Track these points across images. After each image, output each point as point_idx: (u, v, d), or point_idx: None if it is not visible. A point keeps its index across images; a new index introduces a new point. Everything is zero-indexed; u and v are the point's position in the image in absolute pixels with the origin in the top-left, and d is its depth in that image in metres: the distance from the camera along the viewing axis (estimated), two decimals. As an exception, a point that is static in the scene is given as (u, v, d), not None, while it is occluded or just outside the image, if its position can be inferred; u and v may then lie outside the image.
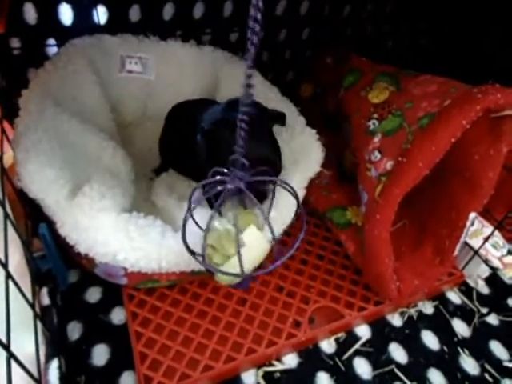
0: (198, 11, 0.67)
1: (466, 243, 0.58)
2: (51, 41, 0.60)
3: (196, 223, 0.39)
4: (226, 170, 0.34)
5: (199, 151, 0.45)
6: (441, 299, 0.58)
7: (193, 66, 0.62)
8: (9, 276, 0.30)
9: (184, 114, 0.57)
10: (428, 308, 0.57)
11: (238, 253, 0.32)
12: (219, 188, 0.33)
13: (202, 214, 0.39)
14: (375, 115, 0.53)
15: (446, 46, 0.91)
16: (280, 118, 0.47)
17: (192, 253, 0.36)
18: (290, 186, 0.37)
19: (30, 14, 0.55)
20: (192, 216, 0.37)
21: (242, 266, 0.33)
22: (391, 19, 0.88)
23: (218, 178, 0.34)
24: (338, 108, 0.65)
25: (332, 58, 0.72)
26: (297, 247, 0.36)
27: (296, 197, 0.37)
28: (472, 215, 0.50)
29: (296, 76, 0.85)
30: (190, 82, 0.63)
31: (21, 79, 0.60)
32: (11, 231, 0.38)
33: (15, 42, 0.58)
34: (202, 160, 0.46)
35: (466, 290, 0.60)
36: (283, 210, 0.46)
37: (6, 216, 0.35)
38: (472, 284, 0.61)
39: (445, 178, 0.52)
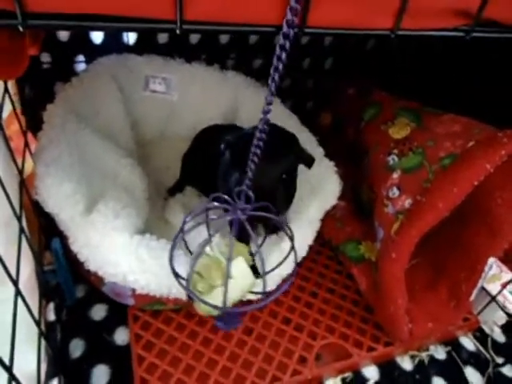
0: (224, 37, 0.68)
1: (483, 288, 0.56)
2: (80, 57, 0.62)
3: (186, 247, 0.38)
4: (226, 197, 0.34)
5: (221, 163, 0.45)
6: (454, 345, 0.56)
7: (215, 89, 0.63)
8: (18, 293, 0.30)
9: (213, 137, 0.58)
10: (440, 353, 0.54)
11: (225, 285, 0.31)
12: (215, 217, 0.33)
13: (192, 237, 0.39)
14: (395, 151, 0.53)
15: (470, 85, 0.91)
16: (308, 162, 0.46)
17: (176, 275, 0.35)
18: (289, 228, 0.36)
19: (64, 31, 0.57)
20: (184, 239, 0.37)
21: (225, 300, 0.31)
22: (415, 54, 0.88)
23: (217, 204, 0.34)
24: (357, 140, 0.65)
25: (354, 90, 0.72)
26: (284, 290, 0.34)
27: (292, 239, 0.36)
28: (491, 260, 0.49)
29: (316, 105, 0.85)
30: (212, 105, 0.64)
31: (47, 92, 0.62)
32: (24, 244, 0.38)
33: (46, 57, 0.60)
34: (222, 173, 0.46)
35: (481, 336, 0.58)
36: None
37: (22, 230, 0.35)
38: (487, 331, 0.58)
39: (464, 219, 0.51)
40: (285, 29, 0.21)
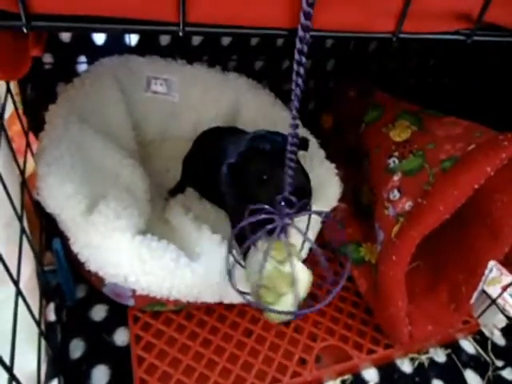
0: (226, 39, 0.68)
1: (483, 291, 0.56)
2: (82, 58, 0.62)
3: (240, 264, 0.39)
4: (266, 206, 0.35)
5: (224, 183, 0.46)
6: (454, 347, 0.56)
7: (217, 91, 0.63)
8: (19, 293, 0.30)
9: (213, 140, 0.58)
10: (440, 356, 0.54)
11: (295, 289, 0.33)
12: (269, 226, 0.33)
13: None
14: (396, 153, 0.53)
15: (471, 88, 0.91)
16: (303, 144, 0.46)
17: (242, 293, 0.36)
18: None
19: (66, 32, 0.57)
20: (235, 258, 0.38)
21: (298, 303, 0.33)
22: (416, 56, 0.89)
23: (264, 216, 0.35)
24: (358, 142, 0.65)
25: (355, 91, 0.72)
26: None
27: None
28: (491, 263, 0.49)
29: (317, 106, 0.85)
30: (213, 107, 0.64)
31: (49, 93, 0.62)
32: (25, 244, 0.38)
33: (48, 58, 0.60)
34: (225, 191, 0.46)
35: (481, 339, 0.58)
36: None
37: (23, 230, 0.35)
38: (487, 334, 0.58)
39: (464, 222, 0.51)
40: (300, 33, 0.22)
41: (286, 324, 0.51)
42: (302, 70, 0.27)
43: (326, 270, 0.36)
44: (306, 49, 0.25)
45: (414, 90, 0.94)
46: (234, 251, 0.40)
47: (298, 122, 0.31)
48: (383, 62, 0.86)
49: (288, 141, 0.32)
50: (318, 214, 0.40)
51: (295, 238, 0.45)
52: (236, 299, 0.46)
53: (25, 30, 0.18)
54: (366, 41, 0.76)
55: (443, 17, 0.27)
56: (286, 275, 0.33)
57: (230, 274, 0.37)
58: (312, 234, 0.50)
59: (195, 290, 0.41)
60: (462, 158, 0.44)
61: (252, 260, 0.36)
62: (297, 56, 0.26)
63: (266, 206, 0.35)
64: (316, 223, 0.50)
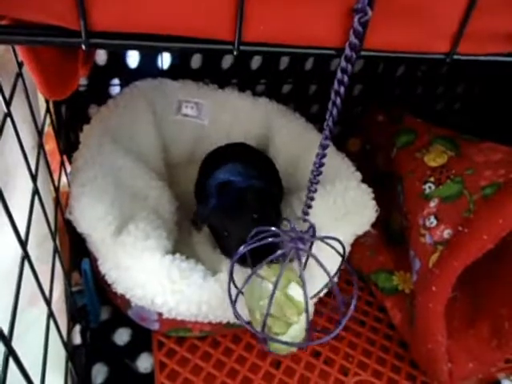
0: (255, 62, 0.69)
1: (527, 326, 0.52)
2: (115, 81, 0.63)
3: (240, 292, 0.37)
4: (273, 228, 0.34)
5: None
6: (495, 387, 0.52)
7: (246, 115, 0.63)
8: (51, 314, 0.29)
9: (215, 162, 0.58)
10: (481, 396, 0.51)
11: (306, 318, 0.31)
12: (280, 251, 0.32)
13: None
14: (432, 179, 0.51)
15: (500, 111, 0.89)
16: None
17: (246, 323, 0.35)
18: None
19: (101, 55, 0.59)
20: (236, 286, 0.37)
21: (307, 332, 0.31)
22: (444, 81, 0.88)
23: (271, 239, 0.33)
24: (388, 167, 0.63)
25: (384, 116, 0.71)
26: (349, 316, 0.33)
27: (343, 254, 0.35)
28: (537, 297, 0.46)
29: (343, 130, 0.85)
30: (242, 131, 0.64)
31: (81, 114, 0.63)
32: (57, 264, 0.38)
33: (82, 80, 0.61)
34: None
35: (525, 380, 0.54)
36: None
37: (56, 250, 0.35)
38: (531, 374, 0.54)
39: (507, 251, 0.48)
40: (347, 52, 0.21)
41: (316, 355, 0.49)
42: (342, 90, 0.26)
43: (339, 303, 0.33)
44: (350, 68, 0.25)
45: (441, 115, 0.92)
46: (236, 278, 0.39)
47: (329, 142, 0.31)
48: (410, 88, 0.86)
49: (315, 163, 0.31)
50: (336, 239, 0.37)
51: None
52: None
53: (84, 47, 0.18)
54: (417, 62, 0.76)
55: (499, 38, 0.26)
56: (297, 303, 0.31)
57: (232, 302, 0.35)
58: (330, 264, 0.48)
59: (226, 303, 0.40)
60: (506, 184, 0.42)
61: (256, 287, 0.34)
62: (339, 75, 0.25)
63: (273, 228, 0.34)
64: (345, 244, 0.49)
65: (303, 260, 0.39)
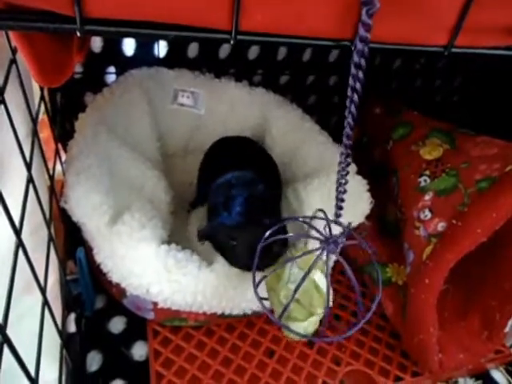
0: (253, 52, 0.68)
1: (517, 319, 0.53)
2: (111, 69, 0.62)
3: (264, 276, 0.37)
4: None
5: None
6: (485, 378, 0.53)
7: (243, 105, 0.63)
8: (46, 303, 0.29)
9: (222, 152, 0.58)
10: (470, 386, 0.52)
11: (326, 311, 0.31)
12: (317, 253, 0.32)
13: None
14: (427, 172, 0.51)
15: (497, 105, 0.89)
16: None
17: (267, 309, 0.35)
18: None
19: (97, 43, 0.58)
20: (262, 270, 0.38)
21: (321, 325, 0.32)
22: (442, 74, 0.88)
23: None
24: (384, 159, 0.63)
25: (381, 109, 0.71)
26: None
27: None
28: (528, 289, 0.46)
29: (340, 121, 0.85)
30: (239, 121, 0.64)
31: (77, 102, 0.62)
32: (52, 252, 0.37)
33: (78, 67, 0.60)
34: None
35: (514, 370, 0.55)
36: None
37: (51, 238, 0.35)
38: (520, 365, 0.55)
39: (499, 244, 0.49)
40: (359, 45, 0.21)
41: (310, 344, 0.50)
42: (358, 85, 0.26)
43: (358, 296, 0.34)
44: (363, 62, 0.24)
45: (439, 107, 0.92)
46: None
47: (351, 142, 0.30)
48: (407, 80, 0.86)
49: (340, 163, 0.31)
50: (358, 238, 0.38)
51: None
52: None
53: (78, 34, 0.18)
54: (415, 54, 0.76)
55: (498, 31, 0.26)
56: (323, 295, 0.32)
57: (255, 286, 0.35)
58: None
59: (220, 293, 0.40)
60: (501, 178, 0.42)
61: (285, 271, 0.35)
62: (353, 70, 0.25)
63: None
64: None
65: (331, 263, 0.40)
